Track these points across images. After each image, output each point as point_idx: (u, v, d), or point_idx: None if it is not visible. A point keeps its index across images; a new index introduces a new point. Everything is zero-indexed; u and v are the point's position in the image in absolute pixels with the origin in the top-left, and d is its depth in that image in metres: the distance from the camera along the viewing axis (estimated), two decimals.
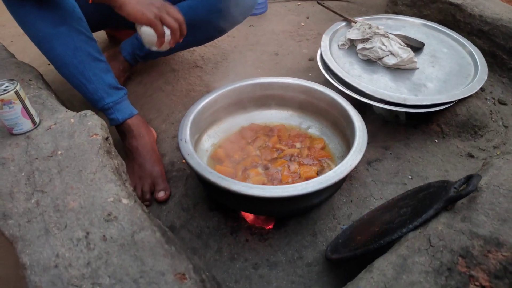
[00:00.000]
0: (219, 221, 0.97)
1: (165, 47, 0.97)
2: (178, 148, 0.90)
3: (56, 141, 0.77)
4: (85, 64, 1.00)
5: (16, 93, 0.76)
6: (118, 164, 0.77)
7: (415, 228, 0.66)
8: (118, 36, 1.57)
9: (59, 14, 0.95)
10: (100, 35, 1.70)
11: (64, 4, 0.96)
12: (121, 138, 1.12)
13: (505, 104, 1.25)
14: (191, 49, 1.58)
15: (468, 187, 0.66)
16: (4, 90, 0.75)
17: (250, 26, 1.76)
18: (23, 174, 0.70)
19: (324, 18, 1.73)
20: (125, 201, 0.63)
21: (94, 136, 0.77)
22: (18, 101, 0.77)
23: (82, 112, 0.83)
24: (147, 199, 1.03)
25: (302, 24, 1.74)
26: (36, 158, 0.73)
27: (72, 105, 1.32)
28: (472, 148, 1.12)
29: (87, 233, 0.59)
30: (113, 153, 0.78)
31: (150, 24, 0.90)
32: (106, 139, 0.78)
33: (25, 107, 0.79)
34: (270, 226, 0.96)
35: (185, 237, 0.94)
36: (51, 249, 0.58)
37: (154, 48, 0.98)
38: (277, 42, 1.64)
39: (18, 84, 0.77)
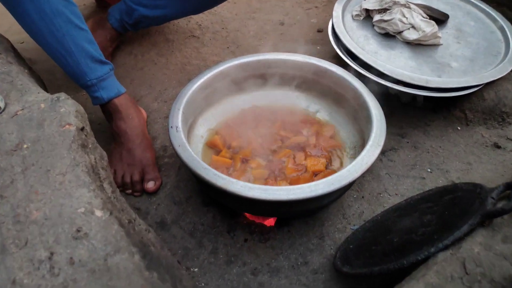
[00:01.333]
0: (215, 217, 0.87)
1: None
2: (168, 138, 0.78)
3: (22, 131, 0.65)
4: (64, 32, 0.86)
5: None
6: (96, 159, 0.65)
7: (446, 247, 0.56)
8: (107, 0, 1.40)
9: None
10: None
11: None
12: (107, 120, 1.00)
13: None
14: (187, 17, 1.42)
15: (510, 200, 0.55)
16: None
17: None
18: None
19: None
20: (98, 213, 0.52)
21: (67, 126, 0.65)
22: None
23: (55, 95, 0.71)
24: (138, 189, 0.92)
25: None
26: None
27: (56, 85, 1.19)
28: (499, 137, 1.00)
29: (51, 253, 0.49)
30: (90, 147, 0.67)
31: None
32: (82, 129, 0.66)
33: None
34: (272, 223, 0.86)
35: (177, 234, 0.85)
36: (6, 272, 0.48)
37: None
38: (283, 10, 1.48)
39: None
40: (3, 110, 0.70)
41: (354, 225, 0.84)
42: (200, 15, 1.44)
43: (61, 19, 0.86)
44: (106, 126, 1.05)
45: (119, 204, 0.63)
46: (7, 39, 0.94)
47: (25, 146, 0.63)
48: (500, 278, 0.50)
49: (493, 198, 0.59)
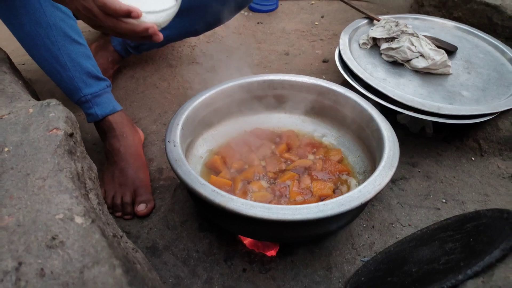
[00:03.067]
0: (211, 244, 0.79)
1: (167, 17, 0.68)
2: (165, 153, 0.73)
3: (5, 135, 0.59)
4: (60, 46, 0.83)
5: None
6: (82, 168, 0.59)
7: (476, 275, 0.49)
8: None
9: None
10: None
11: None
12: (101, 138, 0.95)
13: None
14: (191, 44, 1.41)
15: None
16: None
17: (258, 23, 1.60)
18: None
19: (341, 18, 1.57)
20: (78, 219, 0.46)
21: (54, 130, 0.59)
22: None
23: (45, 101, 0.66)
24: (129, 211, 0.86)
25: (316, 23, 1.58)
26: None
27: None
28: None
29: (19, 263, 0.42)
30: (78, 155, 0.61)
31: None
32: (71, 135, 0.61)
33: None
34: (273, 253, 0.78)
35: (168, 261, 0.76)
36: None
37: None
38: (288, 41, 1.47)
39: None
40: None
41: (364, 257, 0.76)
42: (205, 43, 1.43)
43: (57, 33, 0.83)
44: (100, 147, 1.00)
45: (105, 218, 0.56)
46: (4, 51, 0.91)
47: (6, 149, 0.57)
48: None
49: None
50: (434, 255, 0.60)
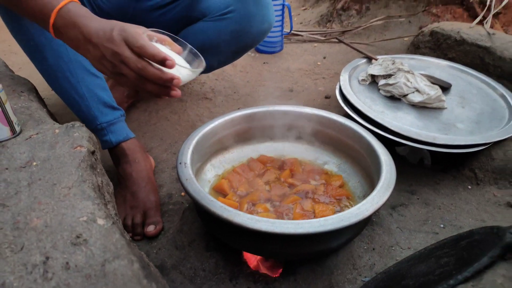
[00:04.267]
0: (217, 263, 0.82)
1: (188, 76, 0.69)
2: (176, 173, 0.78)
3: (33, 151, 0.65)
4: (79, 78, 0.91)
5: None
6: (102, 182, 0.65)
7: (466, 280, 0.52)
8: None
9: None
10: None
11: None
12: (114, 164, 1.01)
13: None
14: (201, 81, 1.50)
15: None
16: None
17: (264, 63, 1.70)
18: None
19: (342, 58, 1.67)
20: (100, 221, 0.50)
21: (78, 148, 0.65)
22: None
23: (70, 123, 0.73)
24: (138, 232, 0.90)
25: (319, 63, 1.67)
26: (6, 169, 0.62)
27: None
28: None
29: (47, 258, 0.46)
30: (98, 170, 0.66)
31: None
32: (93, 153, 0.67)
33: (4, 112, 0.68)
34: (277, 274, 0.81)
35: (176, 279, 0.79)
36: None
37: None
38: (292, 80, 1.56)
39: (0, 85, 0.68)
40: (18, 134, 0.71)
41: (365, 277, 0.78)
42: (213, 80, 1.52)
43: (77, 66, 0.91)
44: (113, 173, 1.05)
45: (121, 227, 0.61)
46: (31, 82, 1.00)
47: (34, 163, 0.63)
48: None
49: (511, 232, 0.56)
50: (430, 269, 0.63)
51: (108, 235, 0.49)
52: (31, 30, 0.86)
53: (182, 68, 0.63)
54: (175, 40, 0.67)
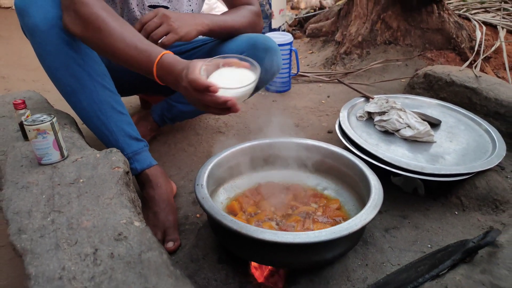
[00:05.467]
0: (228, 274, 0.93)
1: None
2: (194, 193, 0.91)
3: (80, 171, 0.80)
4: (108, 117, 1.06)
5: (52, 125, 0.82)
6: (134, 197, 0.79)
7: (432, 278, 0.63)
8: (150, 100, 1.68)
9: (87, 71, 1.03)
10: (134, 101, 1.83)
11: (91, 62, 1.04)
12: (140, 188, 1.15)
13: None
14: (215, 116, 1.67)
15: (486, 238, 0.64)
16: (42, 121, 0.82)
17: (273, 101, 1.86)
18: (43, 196, 0.73)
19: (344, 97, 1.82)
20: (137, 223, 0.64)
21: (116, 168, 0.80)
22: (51, 133, 0.83)
23: (108, 149, 0.88)
24: None
25: (323, 101, 1.83)
26: (59, 184, 0.76)
27: None
28: (494, 222, 1.08)
29: (96, 249, 0.59)
30: (131, 187, 0.81)
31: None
32: (127, 173, 0.81)
33: (57, 139, 0.84)
34: (281, 286, 0.92)
35: None
36: (58, 262, 0.58)
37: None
38: (298, 116, 1.71)
39: (55, 118, 0.84)
40: (66, 157, 0.87)
41: None
42: (227, 116, 1.68)
43: (106, 106, 1.07)
44: (139, 195, 1.19)
45: None
46: (71, 116, 1.16)
47: (81, 180, 0.77)
48: None
49: (473, 242, 0.67)
50: (409, 276, 0.74)
51: (143, 233, 0.62)
52: (68, 78, 1.01)
53: (231, 90, 0.74)
54: (243, 59, 0.80)
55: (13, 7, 4.24)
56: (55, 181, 0.77)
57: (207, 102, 0.75)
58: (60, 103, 1.46)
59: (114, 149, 0.88)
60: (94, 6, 0.89)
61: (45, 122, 0.81)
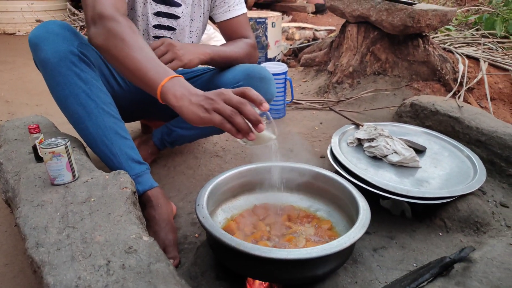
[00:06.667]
0: None
1: (263, 135, 0.83)
2: (195, 213, 0.98)
3: (90, 191, 0.87)
4: (113, 142, 1.13)
5: (66, 148, 0.90)
6: (140, 215, 0.85)
7: None
8: (151, 125, 1.76)
9: (94, 100, 1.10)
10: (135, 126, 1.91)
11: (98, 92, 1.11)
12: (141, 208, 1.20)
13: (507, 207, 1.30)
14: (213, 141, 1.75)
15: (460, 253, 0.71)
16: (56, 144, 0.89)
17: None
18: (58, 213, 0.79)
19: (336, 124, 1.92)
20: (145, 238, 0.70)
21: (125, 189, 0.87)
22: (65, 155, 0.90)
23: (117, 171, 0.95)
24: None
25: (316, 128, 1.92)
26: (72, 203, 0.83)
27: None
28: (476, 243, 1.15)
29: (108, 261, 0.66)
30: (137, 206, 0.87)
31: (207, 124, 0.79)
32: (134, 193, 0.88)
33: (70, 161, 0.91)
34: None
35: None
36: (74, 272, 0.64)
37: (255, 145, 0.90)
38: (292, 141, 1.80)
39: (69, 142, 0.91)
40: (77, 178, 0.93)
41: None
42: (224, 141, 1.76)
43: (111, 132, 1.14)
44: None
45: None
46: (79, 140, 1.23)
47: (92, 199, 0.84)
48: None
49: (450, 258, 0.74)
50: None
51: (151, 247, 0.68)
52: (76, 106, 1.09)
53: (265, 131, 0.80)
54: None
55: (17, 33, 4.37)
56: (68, 199, 0.84)
57: (246, 109, 0.75)
58: (64, 126, 1.53)
59: (122, 171, 0.95)
60: (124, 25, 0.95)
61: (60, 146, 0.88)
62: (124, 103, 1.35)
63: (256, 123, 0.76)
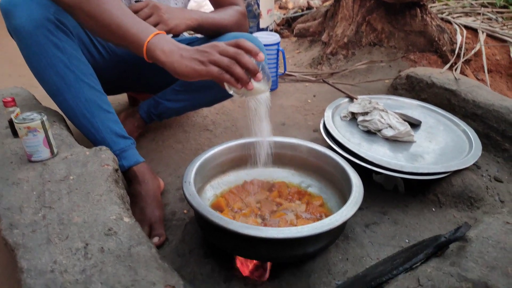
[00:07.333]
0: (213, 268, 0.96)
1: (260, 86, 0.84)
2: (182, 190, 0.94)
3: (69, 168, 0.82)
4: (94, 115, 1.07)
5: (42, 123, 0.84)
6: (123, 194, 0.81)
7: (406, 270, 0.67)
8: (138, 98, 1.70)
9: (73, 71, 1.03)
10: (122, 98, 1.84)
11: (77, 62, 1.04)
12: (127, 184, 1.17)
13: (501, 182, 1.28)
14: (203, 114, 1.69)
15: (456, 233, 0.68)
16: (32, 119, 0.83)
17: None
18: (34, 193, 0.75)
19: (329, 97, 1.87)
20: (126, 219, 0.66)
21: (106, 166, 0.82)
22: (42, 131, 0.84)
23: (98, 147, 0.90)
24: None
25: (309, 101, 1.87)
26: (49, 181, 0.78)
27: None
28: (469, 218, 1.14)
29: (86, 244, 0.62)
30: (120, 184, 0.83)
31: (203, 77, 0.78)
32: (116, 170, 0.84)
33: (47, 137, 0.86)
34: (265, 279, 0.95)
35: None
36: (49, 256, 0.60)
37: (250, 96, 0.87)
38: (285, 115, 1.75)
39: (45, 116, 0.86)
40: (56, 155, 0.88)
41: (338, 281, 0.93)
42: (214, 114, 1.71)
43: (92, 105, 1.08)
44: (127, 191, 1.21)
45: None
46: (60, 114, 1.17)
47: (71, 177, 0.79)
48: None
49: (445, 237, 0.72)
50: (385, 268, 0.79)
51: (132, 229, 0.65)
52: (54, 78, 1.02)
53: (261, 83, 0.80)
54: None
55: None
56: (45, 178, 0.79)
57: (244, 59, 0.76)
58: (48, 99, 1.46)
59: (104, 147, 0.90)
60: None
61: (36, 121, 0.83)
62: (107, 74, 1.28)
63: (254, 73, 0.77)
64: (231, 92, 0.83)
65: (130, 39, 0.83)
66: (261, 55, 0.78)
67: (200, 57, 0.77)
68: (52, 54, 0.99)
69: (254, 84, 0.79)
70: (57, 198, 0.73)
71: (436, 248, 0.69)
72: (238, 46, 0.78)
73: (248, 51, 0.78)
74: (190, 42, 1.37)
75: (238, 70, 0.76)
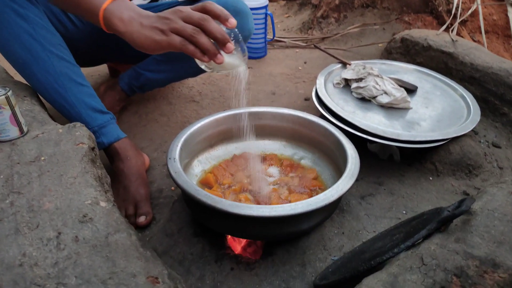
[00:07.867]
0: (204, 247, 0.92)
1: (231, 60, 0.70)
2: (166, 168, 0.88)
3: (41, 148, 0.75)
4: (67, 89, 0.98)
5: (7, 98, 0.76)
6: (101, 174, 0.74)
7: (407, 248, 0.63)
8: (119, 69, 1.60)
9: (39, 42, 0.94)
10: (102, 69, 1.74)
11: (44, 31, 0.95)
12: (110, 162, 1.10)
13: (499, 147, 1.24)
14: (189, 85, 1.61)
15: (461, 207, 0.63)
16: None
17: (248, 68, 1.80)
18: (1, 176, 0.68)
19: (321, 63, 1.79)
20: (103, 204, 0.60)
21: (80, 144, 0.75)
22: (7, 107, 0.76)
23: (72, 124, 0.82)
24: (131, 223, 0.99)
25: (300, 68, 1.79)
26: (18, 163, 0.71)
27: None
28: (467, 187, 1.10)
29: (59, 233, 0.56)
30: (97, 164, 0.76)
31: (165, 49, 0.67)
32: (93, 149, 0.77)
33: (14, 114, 0.78)
34: (257, 257, 0.91)
35: (166, 263, 0.89)
36: (18, 248, 0.54)
37: (223, 71, 0.74)
38: (274, 83, 1.67)
39: (10, 91, 0.77)
40: (26, 133, 0.81)
41: (334, 256, 0.89)
42: (201, 84, 1.62)
43: (64, 78, 0.98)
44: (110, 170, 1.14)
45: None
46: (31, 88, 1.08)
47: (42, 158, 0.72)
48: (452, 267, 0.56)
49: (448, 211, 0.67)
50: (384, 244, 0.74)
51: (109, 214, 0.59)
52: (18, 50, 0.93)
53: (234, 53, 0.65)
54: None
55: None
56: (14, 159, 0.72)
57: (211, 27, 0.62)
58: None
59: (78, 124, 0.82)
60: None
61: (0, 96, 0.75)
62: (82, 44, 1.18)
63: (223, 42, 0.63)
64: (202, 66, 0.70)
65: (84, 5, 0.71)
66: (232, 21, 0.63)
67: (161, 26, 0.64)
68: (14, 22, 0.89)
69: (225, 57, 0.64)
70: (27, 182, 0.66)
71: (439, 223, 0.64)
72: (204, 10, 0.64)
73: (216, 16, 0.64)
74: (170, 6, 1.27)
75: (204, 39, 0.63)
